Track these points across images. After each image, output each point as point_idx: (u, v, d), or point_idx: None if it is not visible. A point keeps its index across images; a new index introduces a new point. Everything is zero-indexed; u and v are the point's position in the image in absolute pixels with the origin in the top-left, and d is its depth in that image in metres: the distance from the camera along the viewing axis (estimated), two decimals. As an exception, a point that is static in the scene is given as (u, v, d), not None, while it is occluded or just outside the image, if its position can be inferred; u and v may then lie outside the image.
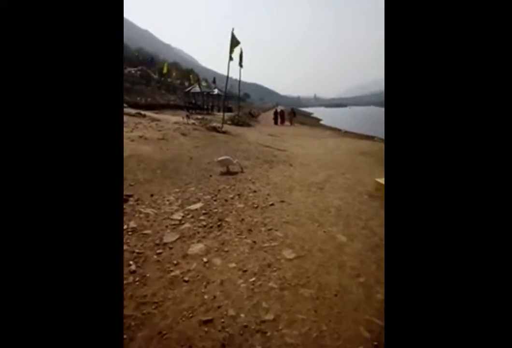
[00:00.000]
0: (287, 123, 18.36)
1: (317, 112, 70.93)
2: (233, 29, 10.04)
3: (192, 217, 2.96)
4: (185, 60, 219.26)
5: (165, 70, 29.70)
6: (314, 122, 28.34)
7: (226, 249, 2.35)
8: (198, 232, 2.62)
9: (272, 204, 3.44)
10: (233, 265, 2.12)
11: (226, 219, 2.94)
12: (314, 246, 2.45)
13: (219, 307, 1.68)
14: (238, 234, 2.62)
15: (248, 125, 15.42)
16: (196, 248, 2.35)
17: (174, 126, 9.26)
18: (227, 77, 10.45)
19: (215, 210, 3.18)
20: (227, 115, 13.22)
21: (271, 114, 21.28)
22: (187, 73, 37.74)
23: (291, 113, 19.06)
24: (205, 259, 2.17)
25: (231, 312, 1.64)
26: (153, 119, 10.32)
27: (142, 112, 11.91)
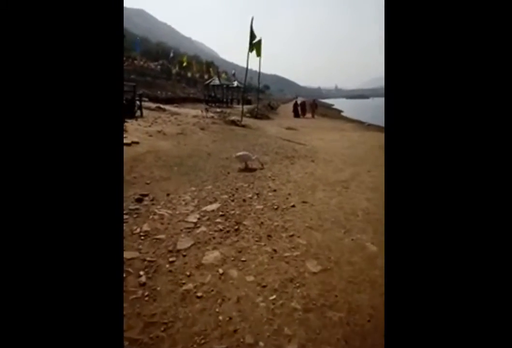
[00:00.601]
0: (308, 115, 17.72)
1: (338, 103, 68.72)
2: (252, 19, 9.69)
3: (208, 219, 2.78)
4: (206, 53, 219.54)
5: (185, 63, 29.71)
6: (335, 114, 27.36)
7: (243, 258, 2.15)
8: (214, 237, 2.44)
9: (293, 206, 3.20)
10: (251, 278, 1.92)
11: (244, 223, 2.74)
12: (341, 257, 2.20)
13: (235, 331, 1.48)
14: (257, 241, 2.42)
15: (268, 117, 15.09)
16: (212, 256, 2.16)
17: (193, 120, 9.15)
18: (247, 68, 10.14)
19: (232, 211, 2.99)
20: (246, 107, 12.96)
21: (290, 106, 20.65)
22: (207, 65, 37.54)
23: (313, 104, 18.31)
24: (220, 271, 1.98)
25: (249, 339, 1.44)
26: (173, 113, 10.26)
27: (162, 106, 11.90)
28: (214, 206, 3.10)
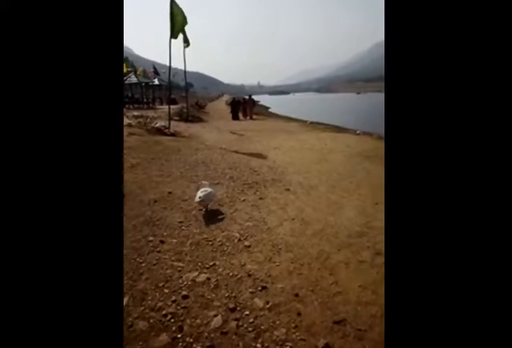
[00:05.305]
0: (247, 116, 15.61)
1: (263, 99, 68.68)
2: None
3: None
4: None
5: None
6: (264, 111, 26.03)
7: None
8: None
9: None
10: None
11: None
12: None
13: None
14: None
15: (200, 119, 12.90)
16: None
17: (99, 130, 6.53)
18: (170, 61, 7.82)
19: None
20: (172, 108, 10.51)
21: (218, 104, 18.43)
22: (119, 60, 32.60)
23: (251, 103, 16.14)
24: None
25: None
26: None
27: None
28: None
